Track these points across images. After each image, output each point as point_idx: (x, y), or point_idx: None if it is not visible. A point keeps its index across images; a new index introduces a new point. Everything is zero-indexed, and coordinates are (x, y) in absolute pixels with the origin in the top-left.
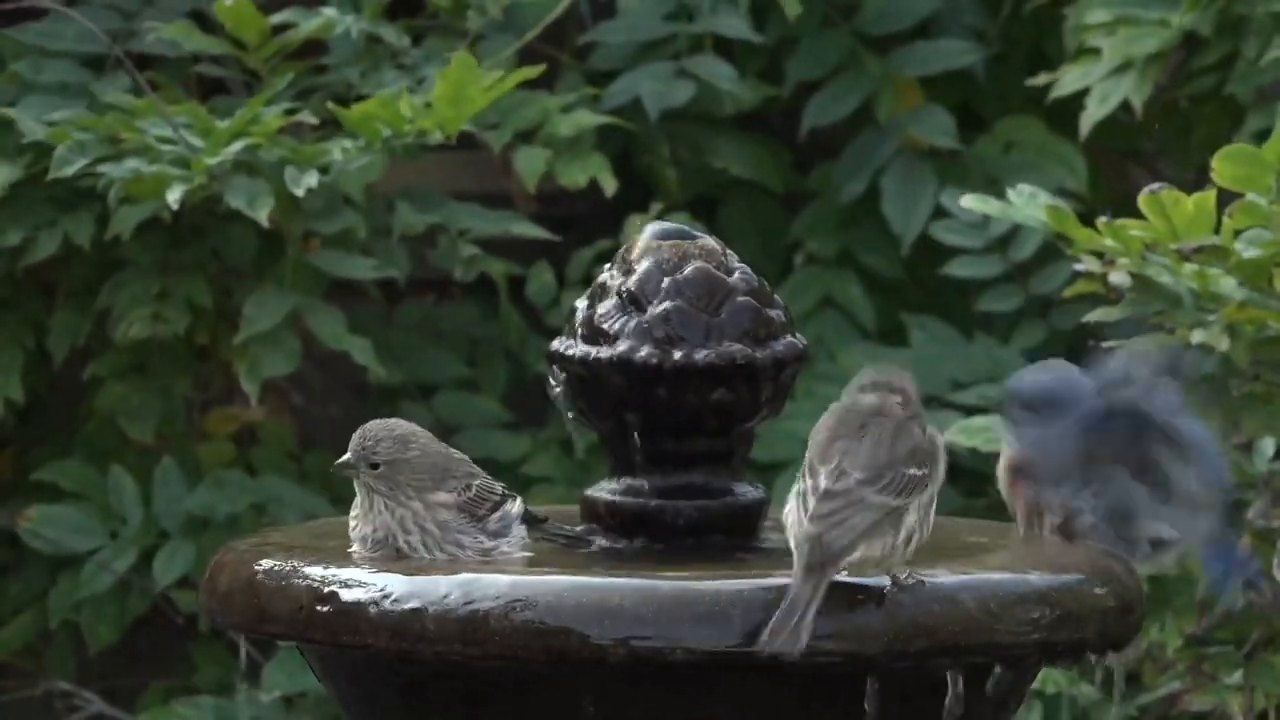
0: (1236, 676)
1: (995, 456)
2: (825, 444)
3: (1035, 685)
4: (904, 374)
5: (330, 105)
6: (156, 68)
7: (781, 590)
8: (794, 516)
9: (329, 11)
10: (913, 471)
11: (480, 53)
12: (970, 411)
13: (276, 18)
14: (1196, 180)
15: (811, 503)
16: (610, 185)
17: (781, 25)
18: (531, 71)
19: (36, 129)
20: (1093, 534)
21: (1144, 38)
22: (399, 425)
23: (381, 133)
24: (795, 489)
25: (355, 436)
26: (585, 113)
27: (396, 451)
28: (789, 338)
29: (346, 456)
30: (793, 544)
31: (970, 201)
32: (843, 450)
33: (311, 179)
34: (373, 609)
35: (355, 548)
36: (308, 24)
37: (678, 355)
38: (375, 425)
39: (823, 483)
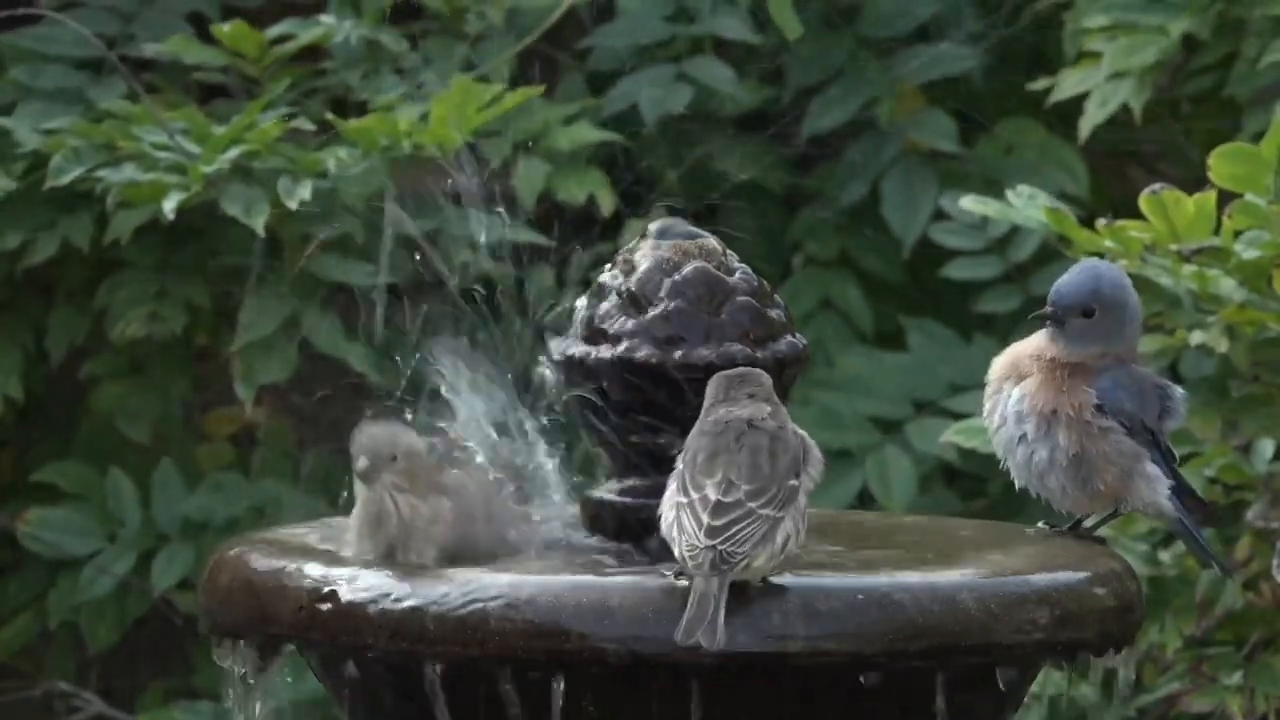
0: (1236, 677)
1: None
2: (707, 458)
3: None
4: (757, 373)
5: (329, 116)
6: (155, 71)
7: (780, 591)
8: (686, 526)
9: (328, 19)
10: (791, 482)
11: (480, 55)
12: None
13: (276, 29)
14: (1196, 181)
15: (704, 516)
16: (608, 202)
17: None
18: (532, 91)
19: (33, 139)
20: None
21: (1142, 46)
22: (393, 424)
23: (379, 143)
24: (674, 499)
25: (360, 440)
26: (585, 126)
27: (408, 441)
28: (789, 338)
29: (362, 462)
30: (683, 553)
31: (970, 203)
32: (725, 464)
33: (305, 190)
34: (372, 609)
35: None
36: (306, 33)
37: (678, 355)
38: (372, 427)
39: (712, 495)
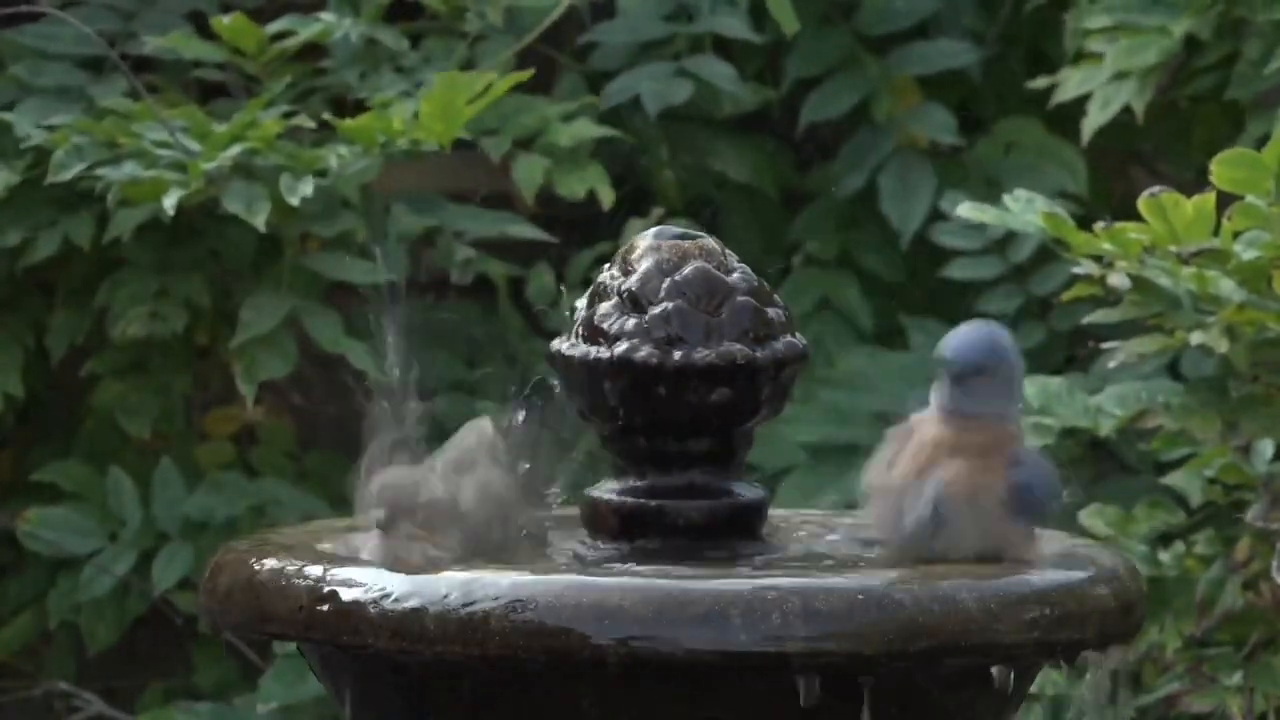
0: (1236, 678)
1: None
2: None
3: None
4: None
5: (327, 116)
6: (156, 70)
7: (780, 591)
8: None
9: (327, 16)
10: None
11: (479, 54)
12: None
13: (275, 25)
14: (1196, 181)
15: None
16: (608, 198)
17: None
18: (521, 76)
19: (35, 134)
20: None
21: (1144, 46)
22: (416, 470)
23: (377, 139)
24: None
25: (381, 489)
26: (585, 122)
27: (430, 491)
28: (789, 338)
29: (382, 515)
30: None
31: (967, 210)
32: None
33: (307, 187)
34: (373, 609)
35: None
36: (306, 30)
37: (678, 355)
38: (395, 474)
39: None
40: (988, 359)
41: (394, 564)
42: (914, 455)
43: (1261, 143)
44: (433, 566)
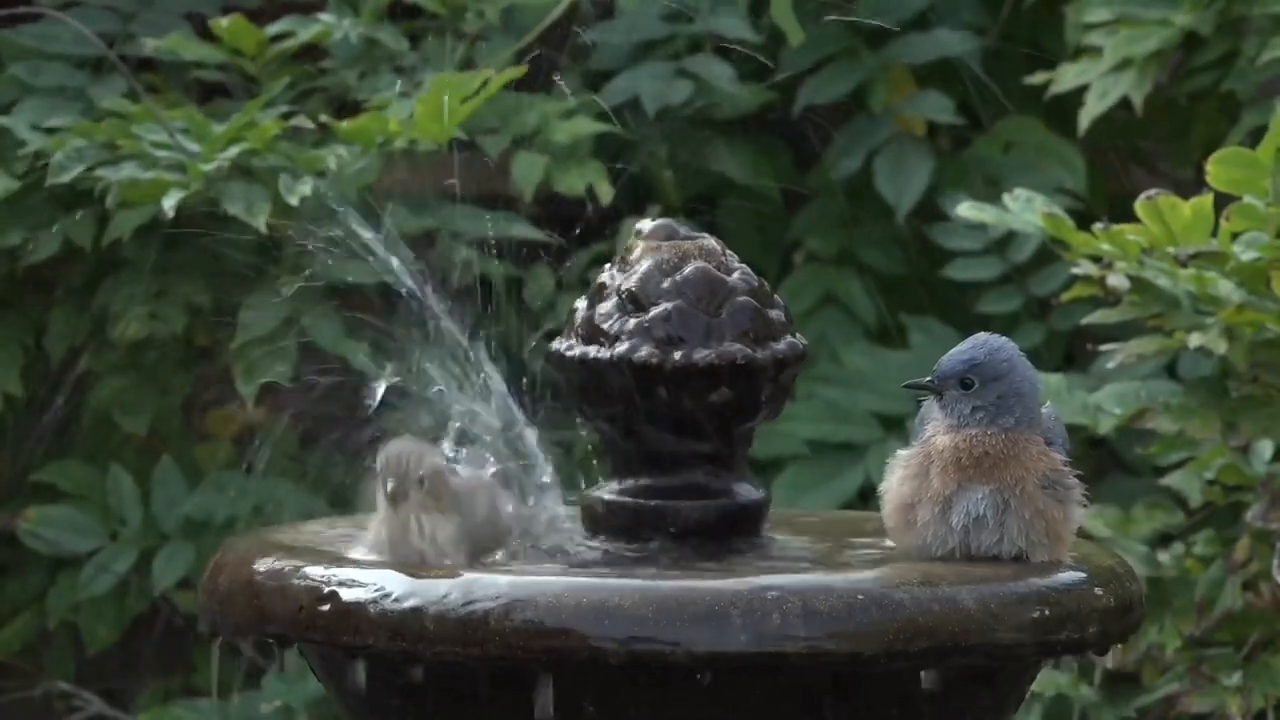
0: (1235, 678)
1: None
2: None
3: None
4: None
5: (325, 119)
6: (155, 70)
7: (779, 590)
8: None
9: (326, 18)
10: None
11: (479, 54)
12: None
13: (275, 26)
14: (1196, 179)
15: None
16: (606, 193)
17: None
18: (515, 73)
19: (35, 138)
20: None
21: (1144, 37)
22: (418, 443)
23: (375, 140)
24: None
25: (386, 464)
26: (583, 119)
27: (433, 461)
28: (789, 338)
29: (391, 485)
30: None
31: (966, 210)
32: None
33: (306, 187)
34: (372, 609)
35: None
36: (305, 31)
37: (678, 355)
38: (399, 447)
39: None
40: (970, 369)
41: (400, 545)
42: (934, 478)
43: (1257, 135)
44: (429, 568)
